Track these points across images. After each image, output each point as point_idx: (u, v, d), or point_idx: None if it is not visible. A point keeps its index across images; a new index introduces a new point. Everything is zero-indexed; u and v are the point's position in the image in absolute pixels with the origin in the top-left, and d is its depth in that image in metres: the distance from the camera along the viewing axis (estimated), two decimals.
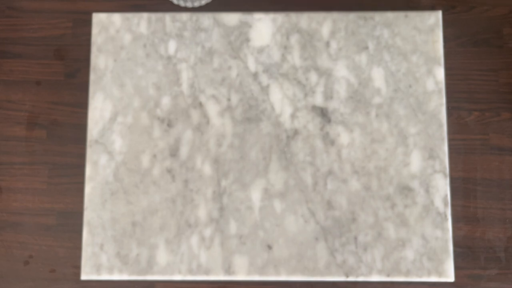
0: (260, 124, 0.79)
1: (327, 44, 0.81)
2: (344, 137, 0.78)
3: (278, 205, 0.77)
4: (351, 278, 0.75)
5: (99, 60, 0.81)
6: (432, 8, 1.21)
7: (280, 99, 0.79)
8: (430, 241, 0.75)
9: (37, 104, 1.21)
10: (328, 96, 0.79)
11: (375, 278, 0.75)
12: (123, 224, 0.77)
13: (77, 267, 1.14)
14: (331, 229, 0.76)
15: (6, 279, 1.15)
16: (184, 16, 0.82)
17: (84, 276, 0.76)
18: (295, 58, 0.80)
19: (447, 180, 0.77)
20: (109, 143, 0.79)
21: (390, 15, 0.81)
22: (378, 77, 0.80)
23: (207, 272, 0.75)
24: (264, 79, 0.80)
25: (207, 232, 0.76)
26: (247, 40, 0.81)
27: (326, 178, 0.77)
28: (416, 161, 0.77)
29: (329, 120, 0.79)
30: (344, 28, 0.81)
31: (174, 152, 0.79)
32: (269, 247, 0.76)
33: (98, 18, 0.83)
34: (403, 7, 1.20)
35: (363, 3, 1.22)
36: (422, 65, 0.80)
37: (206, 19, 0.82)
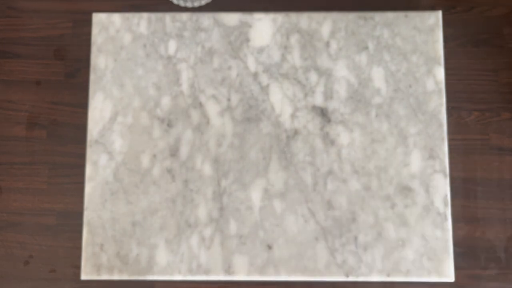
0: (260, 124, 0.79)
1: (327, 44, 0.81)
2: (344, 137, 0.78)
3: (278, 205, 0.77)
4: (351, 278, 0.75)
5: (99, 60, 0.81)
6: (432, 8, 1.21)
7: (280, 99, 0.79)
8: (430, 241, 0.75)
9: (37, 104, 1.21)
10: (328, 96, 0.79)
11: (375, 278, 0.75)
12: (123, 224, 0.77)
13: (77, 267, 1.14)
14: (331, 229, 0.76)
15: (6, 279, 1.15)
16: (184, 16, 0.82)
17: (84, 276, 0.76)
18: (295, 58, 0.80)
19: (447, 180, 0.77)
20: (109, 143, 0.79)
21: (390, 15, 0.81)
22: (378, 77, 0.80)
23: (207, 272, 0.75)
24: (264, 79, 0.80)
25: (207, 232, 0.76)
26: (247, 40, 0.81)
27: (326, 178, 0.77)
28: (416, 161, 0.77)
29: (329, 120, 0.79)
30: (344, 28, 0.81)
31: (174, 152, 0.79)
32: (269, 247, 0.76)
33: (98, 18, 0.83)
34: (403, 7, 1.20)
35: (363, 3, 1.22)
36: (422, 65, 0.80)
37: (206, 19, 0.82)
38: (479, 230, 1.13)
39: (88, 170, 0.79)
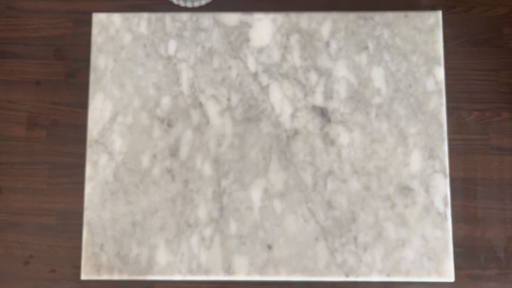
0: (260, 124, 0.79)
1: (327, 44, 0.81)
2: (344, 137, 0.78)
3: (278, 205, 0.77)
4: (351, 278, 0.75)
5: (99, 60, 0.81)
6: (432, 8, 1.21)
7: (280, 99, 0.79)
8: (430, 241, 0.75)
9: (37, 104, 1.21)
10: (328, 96, 0.79)
11: (375, 278, 0.75)
12: (123, 224, 0.77)
13: (77, 267, 1.14)
14: (331, 229, 0.76)
15: (6, 279, 1.15)
16: (184, 16, 0.82)
17: (84, 276, 0.76)
18: (295, 58, 0.80)
19: (447, 180, 0.77)
20: (109, 143, 0.79)
21: (390, 15, 0.81)
22: (378, 77, 0.80)
23: (207, 272, 0.75)
24: (264, 79, 0.80)
25: (207, 232, 0.76)
26: (247, 40, 0.81)
27: (326, 178, 0.77)
28: (416, 161, 0.77)
29: (329, 120, 0.79)
30: (344, 28, 0.81)
31: (174, 152, 0.79)
32: (269, 247, 0.76)
33: (98, 18, 0.83)
34: (403, 7, 1.20)
35: (363, 3, 1.22)
36: (422, 65, 0.80)
37: (206, 19, 0.82)
38: (479, 230, 1.13)
39: (88, 170, 0.79)
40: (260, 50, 0.81)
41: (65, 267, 1.15)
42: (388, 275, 0.75)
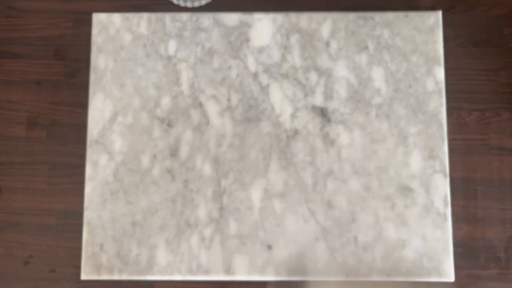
0: (260, 124, 0.79)
1: (327, 44, 0.81)
2: (344, 137, 0.78)
3: (278, 205, 0.77)
4: (351, 278, 0.75)
5: (99, 60, 0.81)
6: (432, 8, 1.20)
7: (280, 99, 0.79)
8: (430, 241, 0.75)
9: (37, 104, 1.21)
10: (328, 96, 0.79)
11: (375, 278, 0.75)
12: (123, 224, 0.77)
13: (77, 267, 1.14)
14: (331, 229, 0.76)
15: (6, 279, 1.15)
16: (184, 16, 0.82)
17: (84, 276, 0.76)
18: (295, 58, 0.80)
19: (447, 180, 0.77)
20: (109, 143, 0.79)
21: (390, 15, 0.81)
22: (378, 77, 0.80)
23: (207, 272, 0.75)
24: (264, 79, 0.80)
25: (207, 232, 0.76)
26: (247, 40, 0.81)
27: (326, 178, 0.77)
28: (416, 161, 0.77)
29: (329, 120, 0.79)
30: (344, 28, 0.81)
31: (174, 152, 0.79)
32: (269, 247, 0.76)
33: (98, 18, 0.83)
34: (403, 7, 1.20)
35: (363, 3, 1.22)
36: (422, 65, 0.80)
37: (206, 19, 0.82)
38: (479, 230, 1.13)
39: (88, 170, 0.79)
40: (260, 50, 0.81)
41: (65, 267, 1.15)
42: (388, 275, 0.75)
